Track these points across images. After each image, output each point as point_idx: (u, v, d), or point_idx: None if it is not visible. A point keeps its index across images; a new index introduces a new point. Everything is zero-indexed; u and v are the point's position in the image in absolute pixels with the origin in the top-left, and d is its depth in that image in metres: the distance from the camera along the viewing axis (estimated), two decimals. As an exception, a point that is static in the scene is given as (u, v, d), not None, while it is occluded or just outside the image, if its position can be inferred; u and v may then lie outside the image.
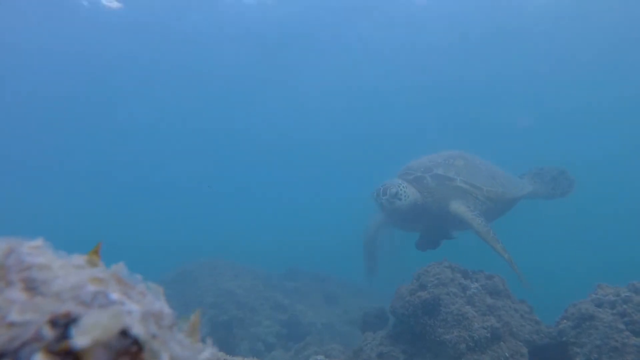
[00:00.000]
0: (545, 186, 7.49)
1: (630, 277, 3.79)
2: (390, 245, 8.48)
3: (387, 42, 17.93)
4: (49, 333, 0.48)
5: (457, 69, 19.48)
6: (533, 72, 19.37)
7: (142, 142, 27.82)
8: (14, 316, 0.48)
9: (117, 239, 18.07)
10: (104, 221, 27.28)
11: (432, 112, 24.10)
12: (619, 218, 24.56)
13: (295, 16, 16.47)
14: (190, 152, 29.33)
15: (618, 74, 18.49)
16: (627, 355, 3.22)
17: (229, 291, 7.91)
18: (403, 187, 5.24)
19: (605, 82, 19.27)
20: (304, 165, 31.89)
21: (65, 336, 0.48)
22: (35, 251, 0.58)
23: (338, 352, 5.31)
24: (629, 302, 3.50)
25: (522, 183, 6.85)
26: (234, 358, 2.14)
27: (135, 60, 18.63)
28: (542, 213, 13.85)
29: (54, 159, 27.17)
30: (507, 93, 21.44)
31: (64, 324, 0.49)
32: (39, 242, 0.59)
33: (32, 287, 0.53)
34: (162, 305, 0.58)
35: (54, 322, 0.49)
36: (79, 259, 0.61)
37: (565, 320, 3.71)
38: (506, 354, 3.49)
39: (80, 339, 0.47)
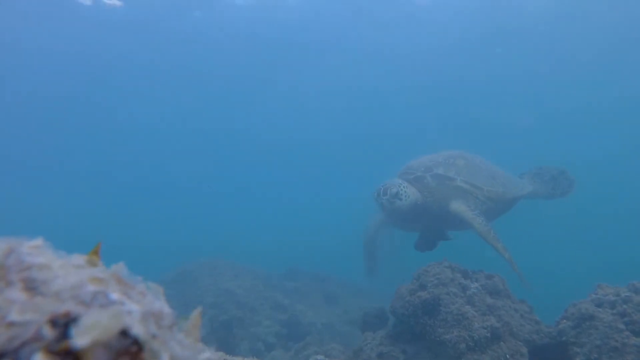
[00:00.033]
0: (545, 186, 7.49)
1: (630, 277, 3.79)
2: (390, 245, 8.49)
3: (387, 42, 17.92)
4: (48, 333, 0.48)
5: (457, 69, 19.47)
6: (533, 72, 19.36)
7: (142, 142, 27.82)
8: (14, 316, 0.48)
9: (117, 239, 18.07)
10: (104, 221, 27.29)
11: (432, 112, 24.09)
12: (619, 218, 24.57)
13: (295, 16, 16.47)
14: (190, 152, 29.34)
15: (618, 74, 18.48)
16: (627, 355, 3.22)
17: (229, 291, 7.91)
18: (403, 187, 5.23)
19: (605, 82, 19.26)
20: (304, 165, 31.89)
21: (65, 336, 0.48)
22: (35, 251, 0.58)
23: (338, 352, 5.31)
24: (629, 302, 3.50)
25: (522, 183, 6.85)
26: (234, 358, 2.14)
27: (136, 59, 18.63)
28: (542, 213, 13.86)
29: (54, 159, 27.17)
30: (507, 93, 21.43)
31: (63, 323, 0.49)
32: (38, 242, 0.59)
33: (32, 287, 0.53)
34: (162, 305, 0.58)
35: (53, 322, 0.49)
36: (79, 258, 0.61)
37: (565, 320, 3.72)
38: (506, 354, 3.49)
39: (80, 339, 0.47)
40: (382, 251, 7.51)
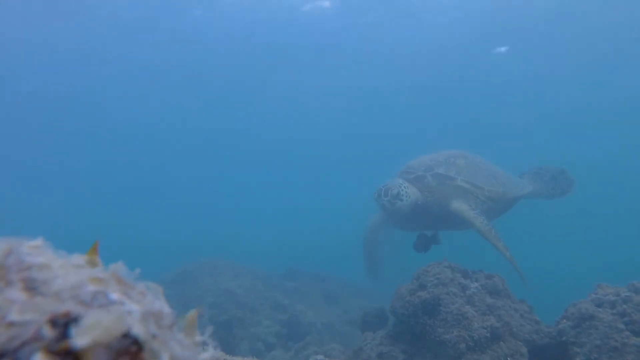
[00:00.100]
0: (545, 186, 7.49)
1: (630, 277, 3.79)
2: (390, 245, 8.48)
3: (387, 42, 17.92)
4: (48, 333, 0.48)
5: (457, 68, 19.47)
6: (533, 72, 19.37)
7: (142, 142, 27.83)
8: (14, 316, 0.48)
9: (117, 239, 18.09)
10: (104, 221, 27.31)
11: (432, 112, 24.10)
12: (619, 218, 24.59)
13: (295, 16, 16.47)
14: (190, 152, 29.34)
15: (618, 74, 18.49)
16: (627, 355, 3.22)
17: (229, 291, 7.91)
18: (404, 187, 5.22)
19: (605, 82, 19.27)
20: (304, 165, 31.90)
21: (65, 336, 0.48)
22: (35, 251, 0.58)
23: (338, 352, 5.31)
24: (629, 302, 3.50)
25: (523, 183, 6.85)
26: (234, 358, 2.14)
27: (136, 59, 18.63)
28: (542, 213, 13.86)
29: (54, 159, 27.18)
30: (507, 93, 21.44)
31: (63, 323, 0.49)
32: (38, 242, 0.59)
33: (32, 287, 0.53)
34: (162, 305, 0.58)
35: (53, 322, 0.49)
36: (79, 258, 0.61)
37: (565, 320, 3.72)
38: (506, 354, 3.49)
39: (80, 339, 0.47)
40: (382, 251, 7.51)
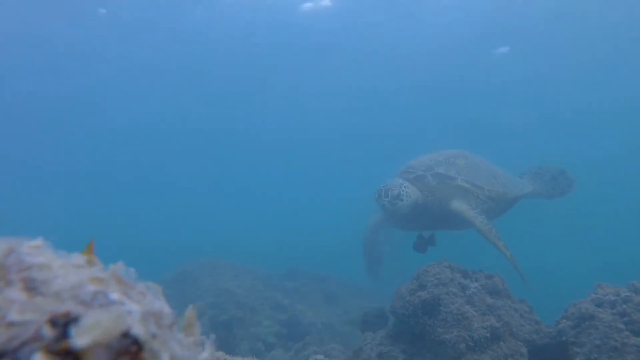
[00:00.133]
0: (545, 186, 7.49)
1: (630, 277, 3.79)
2: (390, 245, 8.49)
3: (387, 42, 17.92)
4: (48, 333, 0.48)
5: (457, 68, 19.47)
6: (533, 72, 19.37)
7: (142, 142, 27.82)
8: (14, 316, 0.48)
9: (117, 239, 18.10)
10: (104, 221, 27.32)
11: (432, 112, 24.10)
12: (619, 218, 24.59)
13: (295, 16, 16.47)
14: (190, 152, 29.34)
15: (618, 74, 18.49)
16: (627, 355, 3.22)
17: (229, 291, 7.91)
18: (404, 187, 5.22)
19: (605, 82, 19.27)
20: (304, 165, 31.90)
21: (65, 336, 0.48)
22: (35, 251, 0.58)
23: (338, 352, 5.31)
24: (628, 302, 3.50)
25: (523, 183, 6.86)
26: (234, 358, 2.14)
27: (135, 59, 18.63)
28: (542, 213, 13.86)
29: (54, 159, 27.17)
30: (507, 93, 21.44)
31: (63, 323, 0.49)
32: (38, 242, 0.59)
33: (32, 286, 0.53)
34: (162, 305, 0.58)
35: (53, 322, 0.49)
36: (79, 258, 0.61)
37: (565, 320, 3.72)
38: (506, 354, 3.49)
39: (79, 339, 0.47)
40: (382, 251, 7.51)
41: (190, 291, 8.25)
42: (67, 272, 0.56)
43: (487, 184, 5.69)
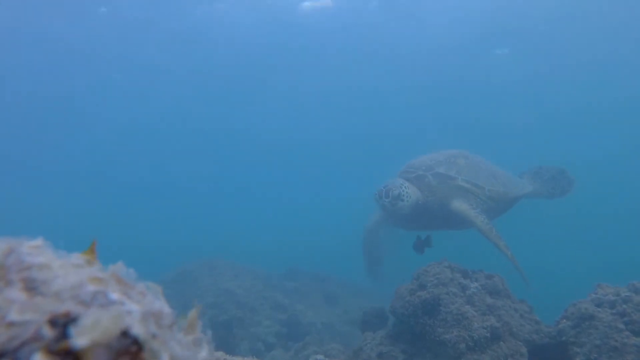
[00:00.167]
0: (545, 185, 7.50)
1: (630, 277, 3.79)
2: (390, 245, 8.49)
3: (387, 42, 17.93)
4: (48, 333, 0.48)
5: (458, 69, 19.47)
6: (533, 72, 19.37)
7: (142, 142, 27.81)
8: (14, 316, 0.48)
9: (117, 239, 18.08)
10: (104, 221, 27.30)
11: (432, 112, 24.10)
12: (619, 218, 24.57)
13: (295, 16, 16.47)
14: (190, 152, 29.33)
15: (618, 74, 18.50)
16: (627, 355, 3.22)
17: (228, 291, 7.91)
18: (405, 187, 5.21)
19: (605, 82, 19.28)
20: (304, 165, 31.89)
21: (65, 336, 0.48)
22: (35, 251, 0.58)
23: (338, 352, 5.31)
24: (628, 302, 3.50)
25: (523, 182, 6.87)
26: (234, 358, 2.14)
27: (136, 59, 18.62)
28: (542, 213, 13.86)
29: (54, 159, 27.16)
30: (507, 93, 21.44)
31: (63, 323, 0.49)
32: (38, 242, 0.59)
33: (31, 286, 0.53)
34: (162, 305, 0.58)
35: (53, 322, 0.49)
36: (79, 258, 0.61)
37: (565, 320, 3.72)
38: (506, 353, 3.49)
39: (79, 339, 0.47)
40: (382, 251, 7.51)
41: (190, 291, 8.24)
42: (67, 272, 0.56)
43: (487, 183, 5.70)
